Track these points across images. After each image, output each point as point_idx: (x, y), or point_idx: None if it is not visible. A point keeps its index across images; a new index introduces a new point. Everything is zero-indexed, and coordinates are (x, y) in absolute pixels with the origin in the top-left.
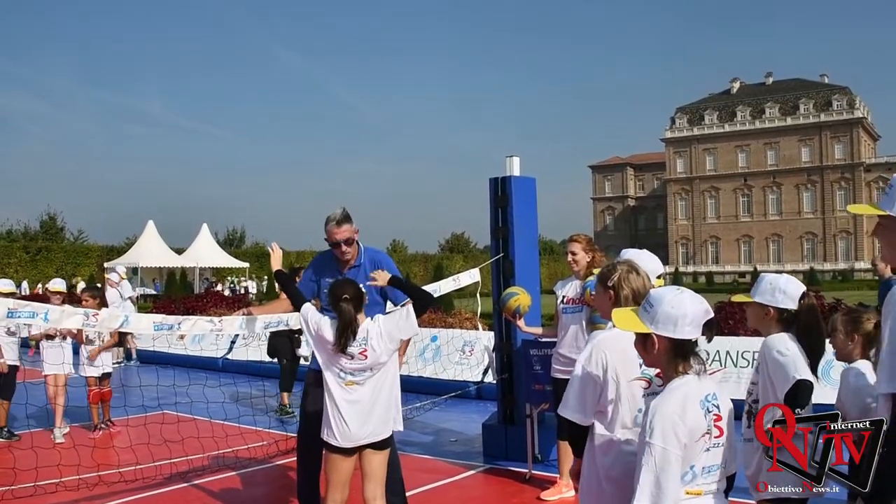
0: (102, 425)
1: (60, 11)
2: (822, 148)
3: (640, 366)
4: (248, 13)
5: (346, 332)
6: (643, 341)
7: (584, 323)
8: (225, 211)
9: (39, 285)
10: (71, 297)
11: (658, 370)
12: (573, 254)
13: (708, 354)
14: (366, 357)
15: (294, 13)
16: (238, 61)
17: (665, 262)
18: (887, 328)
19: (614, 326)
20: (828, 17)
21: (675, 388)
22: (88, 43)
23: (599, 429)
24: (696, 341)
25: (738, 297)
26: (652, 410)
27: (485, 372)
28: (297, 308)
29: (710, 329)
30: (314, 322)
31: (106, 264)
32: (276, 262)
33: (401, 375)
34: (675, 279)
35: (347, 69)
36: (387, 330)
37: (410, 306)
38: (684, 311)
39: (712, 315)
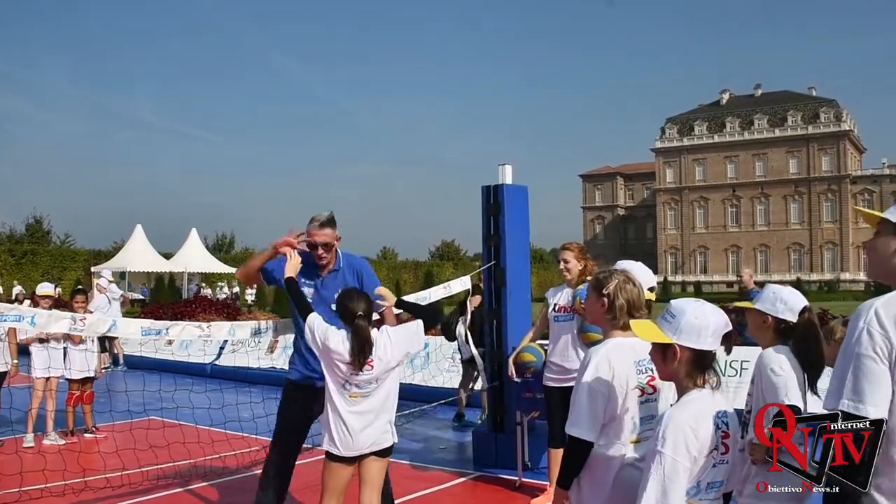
0: (88, 432)
1: (55, 13)
2: (810, 160)
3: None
4: (246, 18)
5: (363, 350)
6: (662, 352)
7: (575, 331)
8: (215, 216)
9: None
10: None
11: (650, 378)
12: (565, 262)
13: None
14: (373, 367)
15: (293, 18)
16: (234, 66)
17: (654, 271)
18: (841, 352)
19: (605, 335)
20: (816, 29)
21: (690, 400)
22: (84, 46)
23: (600, 441)
24: (715, 353)
25: (741, 304)
26: (665, 420)
27: (475, 380)
28: (303, 317)
29: (728, 341)
30: (321, 333)
31: (93, 268)
32: (291, 270)
33: None
34: (664, 288)
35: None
36: (396, 341)
37: (420, 322)
38: (707, 322)
39: (731, 327)
